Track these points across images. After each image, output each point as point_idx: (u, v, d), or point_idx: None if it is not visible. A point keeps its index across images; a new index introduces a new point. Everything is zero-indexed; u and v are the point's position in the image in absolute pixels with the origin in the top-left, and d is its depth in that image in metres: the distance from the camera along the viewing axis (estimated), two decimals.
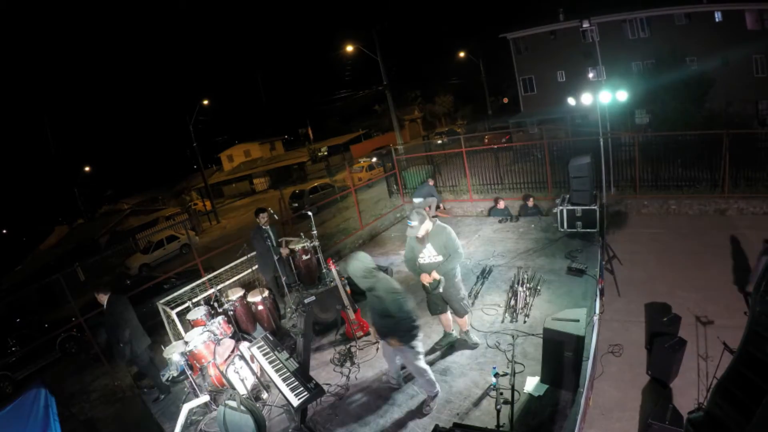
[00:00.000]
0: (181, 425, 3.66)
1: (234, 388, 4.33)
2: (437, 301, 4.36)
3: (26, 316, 10.74)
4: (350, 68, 35.95)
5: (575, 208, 7.32)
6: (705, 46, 19.28)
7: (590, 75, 22.68)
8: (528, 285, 5.49)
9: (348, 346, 5.18)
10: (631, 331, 5.42)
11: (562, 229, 7.47)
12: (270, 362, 4.28)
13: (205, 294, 6.11)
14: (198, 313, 5.42)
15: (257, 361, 4.52)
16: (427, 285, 4.05)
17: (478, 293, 5.86)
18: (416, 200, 4.00)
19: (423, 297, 5.37)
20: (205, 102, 24.78)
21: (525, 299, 5.25)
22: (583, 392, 3.67)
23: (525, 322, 4.93)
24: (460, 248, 4.01)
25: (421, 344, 3.70)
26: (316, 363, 5.02)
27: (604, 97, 6.68)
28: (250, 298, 5.88)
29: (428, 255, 4.07)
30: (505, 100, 37.18)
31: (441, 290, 4.06)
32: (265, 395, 4.57)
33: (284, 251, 6.52)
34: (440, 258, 4.02)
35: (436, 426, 3.19)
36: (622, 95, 6.92)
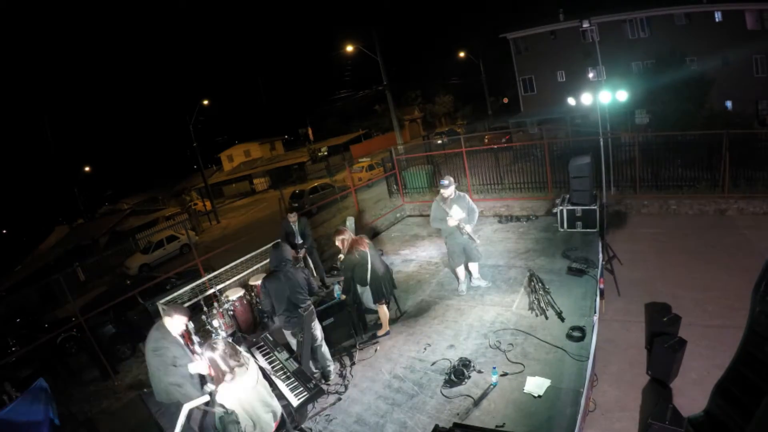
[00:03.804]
0: (181, 425, 3.65)
1: None
2: (458, 252, 5.72)
3: (26, 316, 10.73)
4: (350, 68, 35.98)
5: (575, 208, 7.32)
6: (705, 46, 19.27)
7: (590, 75, 22.68)
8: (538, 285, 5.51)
9: (348, 346, 5.18)
10: (631, 331, 5.41)
11: (562, 229, 7.48)
12: (270, 362, 4.28)
13: (205, 294, 6.12)
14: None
15: (257, 361, 4.52)
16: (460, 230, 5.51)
17: (481, 293, 5.87)
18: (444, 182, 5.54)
19: (422, 297, 5.52)
20: (205, 102, 24.78)
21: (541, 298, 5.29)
22: (583, 392, 3.67)
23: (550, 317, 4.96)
24: (476, 207, 5.67)
25: None
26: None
27: (604, 97, 6.67)
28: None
29: (456, 213, 5.42)
30: (505, 100, 37.17)
31: (466, 235, 5.54)
32: None
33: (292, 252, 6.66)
34: (464, 215, 5.46)
35: (436, 426, 3.19)
36: (622, 95, 6.91)
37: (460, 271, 5.93)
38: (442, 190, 5.52)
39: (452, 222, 5.42)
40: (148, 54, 69.19)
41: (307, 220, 7.13)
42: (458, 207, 5.43)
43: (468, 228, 5.53)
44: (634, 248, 7.48)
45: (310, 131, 32.71)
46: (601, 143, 6.55)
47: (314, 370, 4.51)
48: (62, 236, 27.17)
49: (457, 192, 5.56)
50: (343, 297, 5.17)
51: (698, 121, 13.83)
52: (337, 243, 5.04)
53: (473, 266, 6.01)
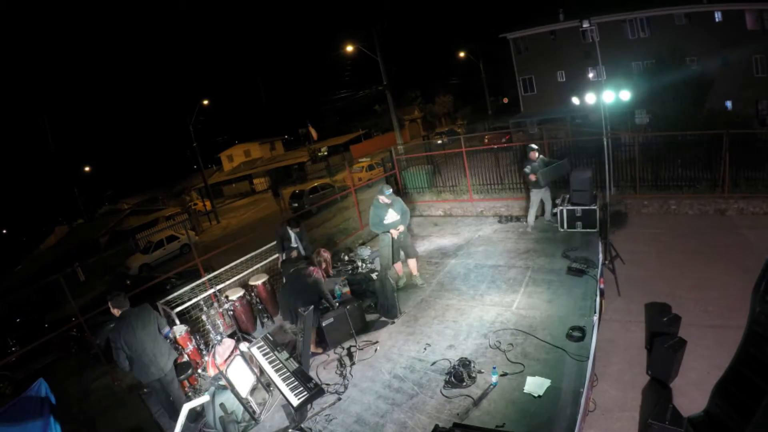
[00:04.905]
0: (181, 425, 3.66)
1: (234, 388, 4.32)
2: (395, 251, 6.24)
3: (26, 316, 10.72)
4: (350, 68, 36.00)
5: (575, 208, 7.32)
6: (705, 46, 19.28)
7: (590, 75, 22.70)
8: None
9: (348, 346, 5.18)
10: (631, 331, 5.41)
11: (562, 229, 7.47)
12: (270, 362, 4.28)
13: (205, 294, 6.12)
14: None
15: (257, 360, 4.52)
16: (398, 235, 6.12)
17: (481, 293, 5.87)
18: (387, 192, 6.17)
19: (422, 297, 5.55)
20: (205, 102, 24.78)
21: None
22: (583, 392, 3.67)
23: None
24: (407, 209, 6.34)
25: None
26: (316, 363, 5.02)
27: (607, 96, 6.65)
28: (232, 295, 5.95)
29: (391, 216, 6.09)
30: (505, 100, 37.17)
31: (408, 237, 6.27)
32: (265, 395, 4.57)
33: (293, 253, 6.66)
34: (398, 217, 6.12)
35: (436, 426, 3.19)
36: (626, 95, 6.89)
37: (398, 266, 6.60)
38: (381, 198, 6.09)
39: (395, 233, 6.12)
40: (148, 54, 69.22)
41: (305, 229, 6.87)
42: (393, 211, 6.08)
43: (401, 227, 6.18)
44: (634, 248, 7.47)
45: (312, 130, 32.44)
46: (605, 144, 6.51)
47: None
48: (62, 236, 27.19)
49: (393, 197, 6.20)
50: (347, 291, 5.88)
51: (698, 121, 13.83)
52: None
53: (412, 262, 6.53)
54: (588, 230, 7.21)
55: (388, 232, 6.05)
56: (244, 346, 4.81)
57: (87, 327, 6.56)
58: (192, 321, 5.96)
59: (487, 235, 8.21)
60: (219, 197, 32.99)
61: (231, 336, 5.65)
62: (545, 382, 3.91)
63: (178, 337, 5.13)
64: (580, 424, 3.50)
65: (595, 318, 4.64)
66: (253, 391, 4.57)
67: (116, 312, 4.19)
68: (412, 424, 3.81)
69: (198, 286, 6.31)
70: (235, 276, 6.69)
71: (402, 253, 6.43)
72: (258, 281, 6.31)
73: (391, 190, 6.22)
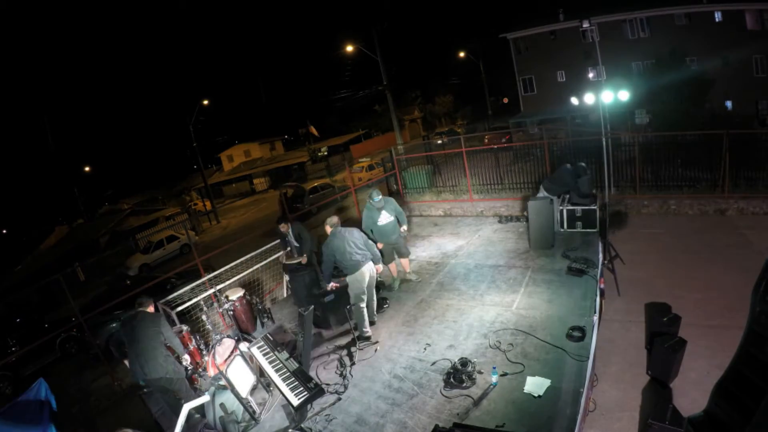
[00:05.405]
0: (181, 425, 3.66)
1: (234, 388, 4.32)
2: (389, 252, 6.38)
3: (26, 316, 10.73)
4: (350, 68, 36.01)
5: (575, 208, 7.32)
6: (705, 46, 19.29)
7: (590, 75, 22.70)
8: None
9: (348, 346, 5.18)
10: (631, 331, 5.41)
11: (562, 229, 7.47)
12: (270, 362, 4.29)
13: (205, 294, 6.12)
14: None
15: (257, 360, 4.52)
16: (394, 237, 6.28)
17: (481, 293, 5.87)
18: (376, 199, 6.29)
19: (422, 297, 5.54)
20: (205, 102, 24.77)
21: None
22: (583, 392, 3.67)
23: None
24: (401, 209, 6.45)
25: None
26: (316, 363, 5.02)
27: (606, 96, 6.65)
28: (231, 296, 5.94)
29: (385, 217, 6.17)
30: (505, 100, 37.17)
31: (401, 238, 6.40)
32: (265, 395, 4.57)
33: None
34: (393, 218, 6.23)
35: (436, 426, 3.19)
36: (624, 95, 6.90)
37: (392, 267, 6.63)
38: (373, 202, 6.25)
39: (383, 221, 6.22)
40: (148, 54, 69.24)
41: (301, 224, 6.93)
42: (386, 212, 6.19)
43: (404, 227, 6.46)
44: (634, 248, 7.48)
45: (313, 129, 32.15)
46: (604, 143, 6.52)
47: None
48: (62, 236, 27.20)
49: (384, 198, 6.32)
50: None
51: (698, 121, 13.83)
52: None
53: (404, 261, 6.66)
54: (588, 230, 7.21)
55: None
56: (244, 346, 4.80)
57: (87, 327, 6.57)
58: (192, 321, 5.96)
59: (487, 235, 8.20)
60: (219, 197, 32.98)
61: (231, 336, 5.65)
62: (545, 382, 3.91)
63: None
64: (580, 424, 3.50)
65: (595, 318, 4.64)
66: (253, 391, 4.57)
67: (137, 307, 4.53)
68: (412, 424, 3.81)
69: (198, 286, 6.31)
70: (235, 276, 6.69)
71: (395, 253, 6.50)
72: None
73: (380, 196, 6.22)
